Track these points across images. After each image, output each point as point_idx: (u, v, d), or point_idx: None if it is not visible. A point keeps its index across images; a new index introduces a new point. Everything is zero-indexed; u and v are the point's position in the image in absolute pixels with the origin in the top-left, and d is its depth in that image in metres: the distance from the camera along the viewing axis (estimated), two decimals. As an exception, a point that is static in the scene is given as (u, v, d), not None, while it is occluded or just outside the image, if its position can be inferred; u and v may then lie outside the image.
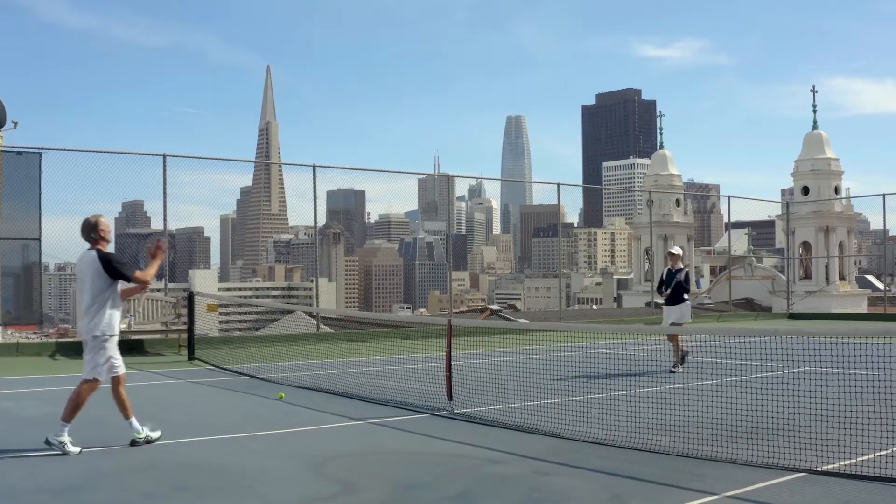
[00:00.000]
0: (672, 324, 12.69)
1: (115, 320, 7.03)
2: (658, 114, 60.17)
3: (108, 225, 7.16)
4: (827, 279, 49.01)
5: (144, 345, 14.83)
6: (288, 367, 12.48)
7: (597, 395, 9.34)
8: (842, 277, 50.34)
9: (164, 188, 15.27)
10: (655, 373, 11.49)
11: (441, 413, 8.64)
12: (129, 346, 14.57)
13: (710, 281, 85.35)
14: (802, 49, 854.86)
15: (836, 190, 50.00)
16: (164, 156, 15.32)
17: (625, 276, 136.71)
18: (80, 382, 7.03)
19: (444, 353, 8.89)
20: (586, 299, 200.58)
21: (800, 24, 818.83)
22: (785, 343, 8.33)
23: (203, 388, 10.89)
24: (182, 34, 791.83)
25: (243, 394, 10.18)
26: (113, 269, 6.94)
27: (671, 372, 11.83)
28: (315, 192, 17.36)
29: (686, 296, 13.01)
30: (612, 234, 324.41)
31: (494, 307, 44.27)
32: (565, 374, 10.72)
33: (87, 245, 7.11)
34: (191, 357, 13.75)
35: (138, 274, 7.02)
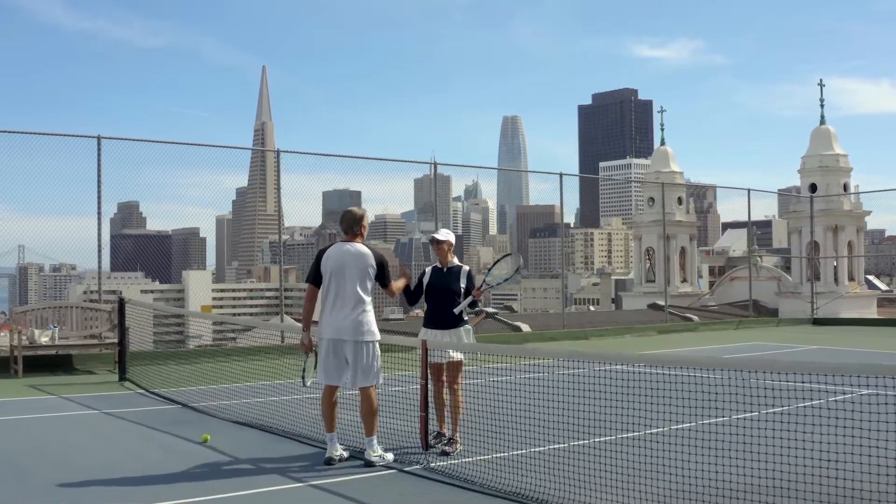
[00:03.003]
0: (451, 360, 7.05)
1: None
2: (659, 109, 57.90)
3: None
4: (836, 280, 47.01)
5: (73, 361, 12.55)
6: (234, 391, 10.21)
7: (622, 437, 6.85)
8: (851, 278, 48.36)
9: (99, 175, 13.07)
10: (702, 399, 8.87)
11: (413, 468, 6.42)
12: (55, 363, 12.34)
13: (710, 282, 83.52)
14: (798, 49, 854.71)
15: (845, 187, 48.05)
16: (99, 138, 13.12)
17: (622, 277, 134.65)
18: (368, 391, 6.55)
19: (420, 384, 6.71)
20: (583, 300, 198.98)
21: (795, 24, 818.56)
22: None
23: (116, 422, 8.64)
24: (177, 35, 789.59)
25: (161, 433, 7.95)
26: (384, 272, 6.76)
27: (444, 453, 6.88)
28: (279, 180, 15.20)
29: (467, 316, 7.25)
30: (609, 234, 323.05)
31: (490, 310, 42.07)
32: (576, 404, 8.28)
33: (343, 236, 6.87)
34: (122, 377, 11.49)
35: (394, 285, 6.94)
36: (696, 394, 5.61)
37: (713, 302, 50.17)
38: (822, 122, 49.26)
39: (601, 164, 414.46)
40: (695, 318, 48.59)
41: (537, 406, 6.80)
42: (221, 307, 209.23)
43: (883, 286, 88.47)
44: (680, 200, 56.63)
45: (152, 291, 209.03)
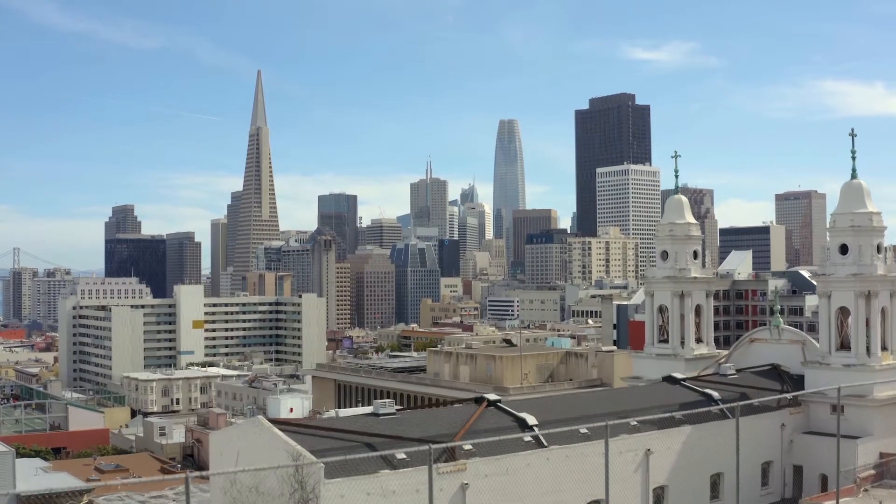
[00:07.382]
0: None
1: None
2: (673, 154, 54.35)
3: None
4: (868, 351, 43.25)
5: None
6: None
7: None
8: (884, 347, 44.56)
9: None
10: None
11: None
12: None
13: (716, 307, 79.30)
14: (792, 51, 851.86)
15: (879, 248, 44.29)
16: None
17: (624, 302, 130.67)
18: None
19: None
20: (581, 312, 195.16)
21: (789, 25, 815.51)
22: None
23: None
24: (172, 37, 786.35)
25: None
26: None
27: None
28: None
29: None
30: (607, 242, 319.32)
31: (492, 397, 37.95)
32: None
33: None
34: None
35: None
36: None
37: (732, 368, 46.37)
38: (854, 175, 45.46)
39: (598, 170, 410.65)
40: (715, 394, 44.31)
41: None
42: (214, 321, 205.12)
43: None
44: (696, 255, 52.75)
45: (143, 306, 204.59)
